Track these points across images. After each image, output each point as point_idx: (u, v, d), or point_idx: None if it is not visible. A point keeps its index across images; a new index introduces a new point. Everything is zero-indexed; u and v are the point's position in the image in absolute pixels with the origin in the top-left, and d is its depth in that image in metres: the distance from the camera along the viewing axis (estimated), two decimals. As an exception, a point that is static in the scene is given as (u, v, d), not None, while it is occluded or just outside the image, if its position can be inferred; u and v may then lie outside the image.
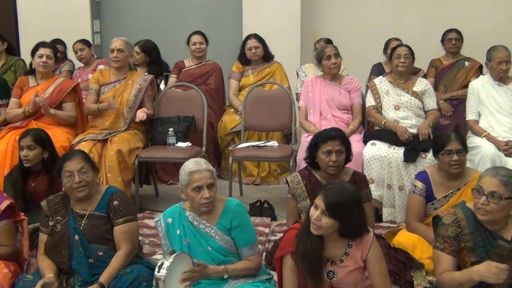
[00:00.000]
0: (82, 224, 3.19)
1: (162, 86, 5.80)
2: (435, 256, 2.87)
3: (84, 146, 4.54)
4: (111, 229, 3.20)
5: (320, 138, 3.57)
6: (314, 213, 2.66)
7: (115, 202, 3.21)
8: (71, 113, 4.87)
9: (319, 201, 2.66)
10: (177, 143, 4.97)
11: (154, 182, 5.38)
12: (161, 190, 5.46)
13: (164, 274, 2.73)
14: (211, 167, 3.04)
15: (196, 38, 5.92)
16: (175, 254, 2.84)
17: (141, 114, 4.90)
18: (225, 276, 2.97)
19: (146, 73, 5.43)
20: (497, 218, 2.75)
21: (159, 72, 5.86)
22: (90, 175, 3.20)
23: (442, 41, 5.88)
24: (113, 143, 4.74)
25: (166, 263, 2.76)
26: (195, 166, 3.00)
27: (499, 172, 2.76)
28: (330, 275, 2.78)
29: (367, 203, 3.59)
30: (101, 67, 5.63)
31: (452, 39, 5.78)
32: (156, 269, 2.77)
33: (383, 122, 4.77)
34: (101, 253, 3.17)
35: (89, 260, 3.15)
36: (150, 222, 4.49)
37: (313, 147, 3.60)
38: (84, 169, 3.18)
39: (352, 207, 2.66)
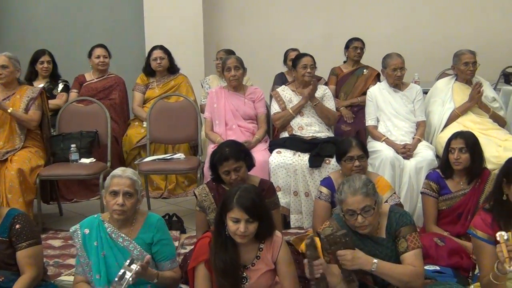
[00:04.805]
0: (-18, 250, 3.05)
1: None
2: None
3: (-20, 168, 4.34)
4: (14, 254, 3.06)
5: (215, 160, 3.58)
6: (237, 227, 2.67)
7: (17, 226, 3.07)
8: None
9: (237, 213, 2.67)
10: (80, 159, 4.85)
11: (57, 201, 5.20)
12: (65, 208, 5.29)
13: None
14: (135, 178, 3.03)
15: (99, 51, 5.80)
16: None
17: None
18: (155, 281, 2.95)
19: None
20: (374, 224, 2.87)
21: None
22: (-13, 198, 3.07)
23: (347, 47, 6.01)
24: (13, 163, 4.55)
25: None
26: (118, 171, 3.03)
27: (355, 187, 2.83)
28: (243, 280, 2.81)
29: (275, 210, 3.65)
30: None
31: (358, 48, 5.94)
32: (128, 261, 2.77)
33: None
34: (3, 278, 3.03)
35: (-10, 287, 3.01)
36: (54, 243, 4.36)
37: (213, 167, 3.62)
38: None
39: (263, 203, 2.78)
